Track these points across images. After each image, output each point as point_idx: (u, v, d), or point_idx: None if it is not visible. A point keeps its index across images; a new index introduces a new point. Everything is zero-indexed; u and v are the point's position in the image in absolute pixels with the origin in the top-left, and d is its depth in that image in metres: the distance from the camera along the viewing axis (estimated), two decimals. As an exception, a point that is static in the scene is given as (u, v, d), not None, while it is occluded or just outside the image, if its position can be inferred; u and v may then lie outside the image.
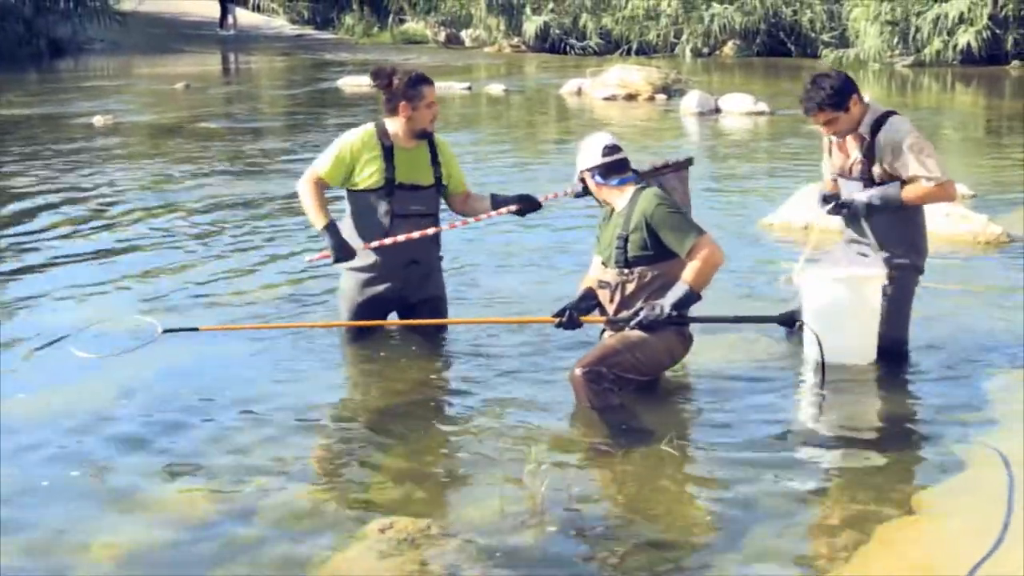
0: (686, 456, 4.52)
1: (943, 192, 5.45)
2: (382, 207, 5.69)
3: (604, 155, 5.07)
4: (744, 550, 3.80)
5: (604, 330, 5.17)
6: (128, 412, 4.99)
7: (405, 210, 5.71)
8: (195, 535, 3.87)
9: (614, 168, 5.08)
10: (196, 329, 5.37)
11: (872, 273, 5.41)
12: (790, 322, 5.40)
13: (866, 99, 5.54)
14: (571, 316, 5.01)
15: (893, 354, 5.55)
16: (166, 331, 5.21)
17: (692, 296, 4.90)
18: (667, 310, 4.86)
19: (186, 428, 4.81)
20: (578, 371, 4.86)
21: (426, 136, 5.79)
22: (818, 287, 5.40)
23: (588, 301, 5.13)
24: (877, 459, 4.56)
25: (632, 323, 4.91)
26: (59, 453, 4.55)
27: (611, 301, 5.07)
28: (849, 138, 5.50)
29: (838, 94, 5.37)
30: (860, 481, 4.38)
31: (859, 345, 5.44)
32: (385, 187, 5.70)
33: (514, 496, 4.12)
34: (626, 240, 4.97)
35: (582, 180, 5.21)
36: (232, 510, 4.06)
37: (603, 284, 5.07)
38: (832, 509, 4.18)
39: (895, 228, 5.46)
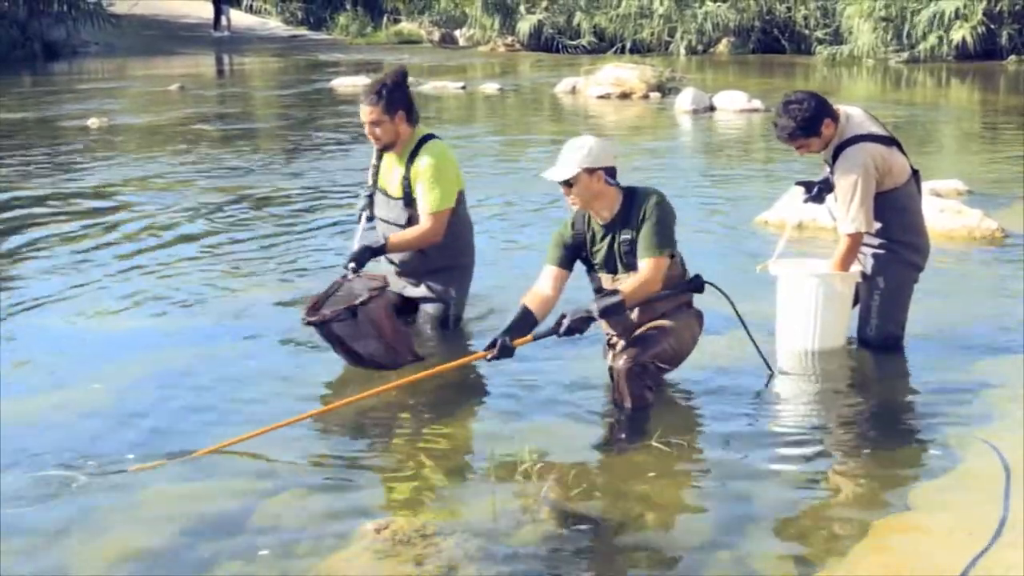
0: (680, 453, 4.53)
1: (848, 247, 5.46)
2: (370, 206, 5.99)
3: (615, 158, 4.95)
4: (739, 547, 3.80)
5: (610, 339, 5.13)
6: (125, 413, 4.98)
7: (378, 214, 5.95)
8: (191, 536, 3.87)
9: (616, 173, 4.99)
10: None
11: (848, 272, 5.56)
12: (699, 287, 5.10)
13: (845, 113, 5.51)
14: (502, 345, 4.73)
15: (887, 348, 5.58)
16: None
17: (622, 308, 4.77)
18: (595, 316, 4.73)
19: (181, 429, 4.80)
20: (624, 364, 4.82)
21: (384, 149, 5.84)
22: (792, 281, 5.61)
23: (526, 320, 4.86)
24: (871, 455, 4.57)
25: (561, 332, 4.71)
26: (57, 453, 4.53)
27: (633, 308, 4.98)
28: None
29: (808, 122, 5.40)
30: (855, 477, 4.40)
31: (829, 336, 5.60)
32: (371, 187, 5.95)
33: (508, 495, 4.13)
34: (634, 241, 4.89)
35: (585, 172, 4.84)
36: (228, 511, 4.06)
37: (616, 292, 4.91)
38: (827, 505, 4.18)
39: (880, 229, 5.48)
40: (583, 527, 3.97)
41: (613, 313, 4.78)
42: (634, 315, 4.95)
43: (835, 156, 5.46)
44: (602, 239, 4.92)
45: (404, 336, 5.41)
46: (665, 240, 4.81)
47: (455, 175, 5.84)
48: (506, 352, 4.76)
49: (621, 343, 5.01)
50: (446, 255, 5.91)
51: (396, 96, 5.68)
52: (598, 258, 4.96)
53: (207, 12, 33.86)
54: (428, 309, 6.01)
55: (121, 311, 6.59)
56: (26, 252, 8.17)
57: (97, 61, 26.90)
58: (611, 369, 4.94)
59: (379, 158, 5.94)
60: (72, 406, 5.06)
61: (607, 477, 4.41)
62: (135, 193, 10.48)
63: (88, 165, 12.13)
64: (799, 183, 5.83)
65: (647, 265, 4.80)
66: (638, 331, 4.94)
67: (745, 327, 5.20)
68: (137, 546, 3.81)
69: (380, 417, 5.03)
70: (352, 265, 5.53)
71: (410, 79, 5.96)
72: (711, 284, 5.01)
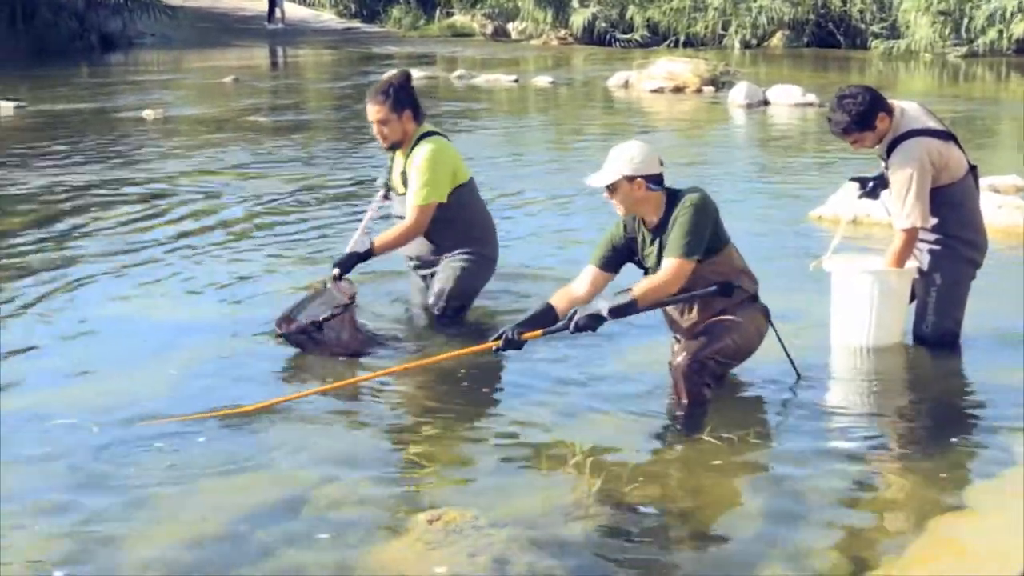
0: (732, 448, 4.50)
1: (903, 243, 5.39)
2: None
3: (660, 165, 4.92)
4: (792, 544, 3.78)
5: (675, 334, 5.10)
6: (179, 405, 5.02)
7: (394, 212, 6.10)
8: (245, 526, 3.90)
9: (662, 179, 4.96)
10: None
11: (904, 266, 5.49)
12: (728, 292, 4.96)
13: (900, 107, 5.45)
14: (507, 338, 4.76)
15: (943, 345, 5.53)
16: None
17: (633, 308, 4.71)
18: (604, 315, 4.67)
19: (234, 420, 4.83)
20: (683, 360, 4.80)
21: (391, 148, 5.97)
22: (847, 278, 5.55)
23: (545, 316, 4.85)
24: (927, 452, 4.53)
25: (571, 328, 4.69)
26: (108, 444, 4.60)
27: (684, 312, 4.94)
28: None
29: (862, 116, 5.34)
30: (910, 475, 4.35)
31: (884, 333, 5.54)
32: (384, 187, 6.16)
33: (560, 488, 4.13)
34: None
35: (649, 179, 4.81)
36: (281, 502, 4.08)
37: (628, 292, 4.82)
38: (882, 503, 4.15)
39: (936, 225, 5.42)
40: (634, 521, 3.96)
41: (623, 313, 4.71)
42: (694, 312, 4.91)
43: (890, 151, 5.41)
44: (651, 243, 4.89)
45: (367, 343, 5.68)
46: (689, 244, 4.70)
47: (451, 170, 5.90)
48: (512, 344, 4.77)
49: (682, 340, 4.98)
50: (455, 246, 5.99)
51: (402, 95, 5.83)
52: (649, 262, 4.91)
53: (262, 5, 34.03)
54: (429, 295, 6.09)
55: (176, 296, 6.72)
56: (83, 238, 8.31)
57: (153, 53, 27.15)
58: (670, 365, 4.91)
59: (393, 159, 6.07)
60: (119, 397, 5.09)
61: (658, 470, 4.40)
62: (189, 183, 10.58)
63: (143, 155, 12.26)
64: (853, 179, 5.79)
65: (666, 267, 4.73)
66: (699, 327, 4.91)
67: (776, 333, 5.06)
68: (187, 536, 3.84)
69: (431, 408, 5.05)
70: (336, 271, 5.72)
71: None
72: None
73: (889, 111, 5.38)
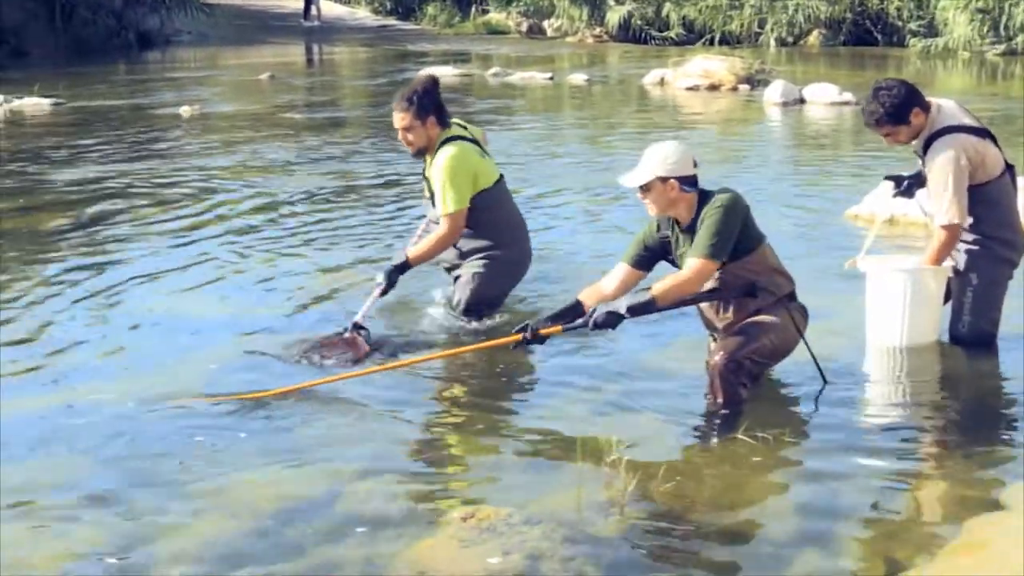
0: (767, 447, 4.49)
1: (944, 241, 5.35)
2: None
3: (695, 166, 4.91)
4: (827, 543, 3.77)
5: (712, 333, 5.08)
6: (209, 399, 5.06)
7: (429, 217, 6.15)
8: (280, 521, 3.93)
9: (696, 180, 4.96)
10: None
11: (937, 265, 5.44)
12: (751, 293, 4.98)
13: (937, 104, 5.41)
14: (532, 332, 4.79)
15: (979, 346, 5.49)
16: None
17: (652, 307, 4.71)
18: (623, 313, 4.67)
19: (267, 416, 4.87)
20: (720, 359, 4.79)
21: (418, 155, 6.01)
22: (881, 277, 5.53)
23: (573, 312, 4.88)
24: (963, 453, 4.50)
25: (590, 326, 4.71)
26: (151, 437, 4.66)
27: (719, 311, 4.93)
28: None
29: (897, 109, 5.30)
30: (945, 475, 4.33)
31: (919, 332, 5.51)
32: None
33: (595, 486, 4.13)
34: None
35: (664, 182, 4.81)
36: (315, 499, 4.11)
37: (647, 290, 4.82)
38: (917, 504, 4.14)
39: (972, 224, 5.38)
40: (668, 518, 3.96)
41: (641, 312, 4.70)
42: (729, 312, 4.90)
43: (926, 148, 5.37)
44: (684, 243, 4.87)
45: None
46: (715, 246, 4.66)
47: (470, 175, 5.90)
48: (533, 340, 4.82)
49: (719, 339, 4.97)
50: (476, 250, 6.02)
51: (426, 101, 5.85)
52: (682, 261, 4.90)
53: (297, 2, 34.21)
54: (449, 291, 6.14)
55: (218, 291, 6.81)
56: (124, 234, 8.38)
57: (190, 50, 27.32)
58: (707, 364, 4.90)
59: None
60: (157, 390, 5.15)
61: (694, 469, 4.40)
62: (227, 179, 10.64)
63: (180, 152, 12.35)
64: (888, 177, 5.76)
65: (689, 266, 4.72)
66: (736, 327, 4.90)
67: (802, 336, 5.01)
68: (220, 532, 3.87)
69: (466, 404, 5.08)
70: (382, 285, 5.84)
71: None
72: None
73: (925, 107, 5.35)
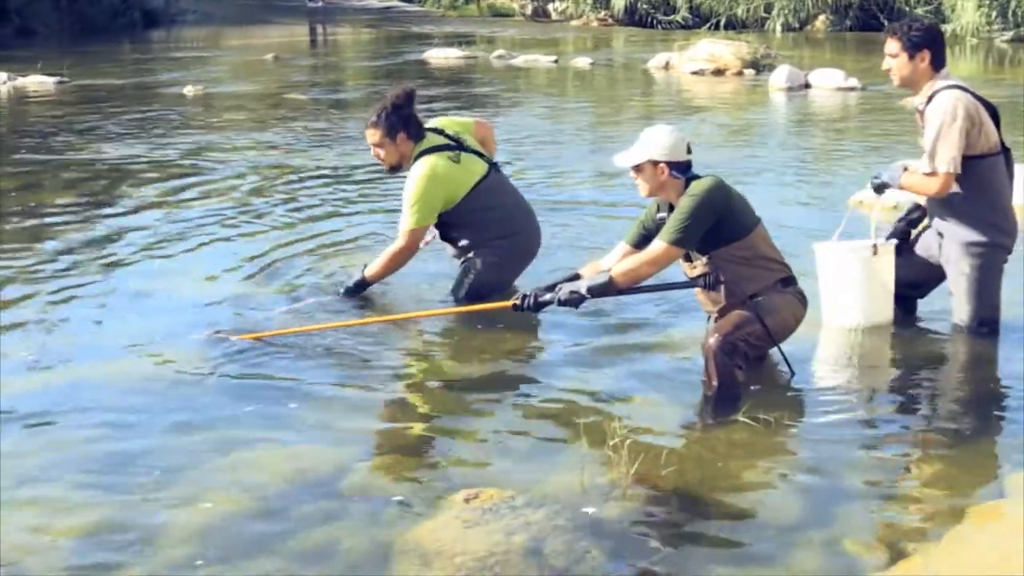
0: (768, 430, 4.49)
1: (929, 184, 5.29)
2: None
3: (688, 152, 4.93)
4: (828, 528, 3.77)
5: (710, 317, 5.08)
6: (214, 377, 5.08)
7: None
8: (280, 502, 3.93)
9: (688, 166, 4.98)
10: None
11: (880, 246, 5.47)
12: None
13: (947, 71, 5.41)
14: (531, 299, 4.96)
15: (980, 333, 5.46)
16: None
17: (610, 289, 4.83)
18: (583, 293, 4.83)
19: (271, 395, 4.88)
20: (714, 341, 4.79)
21: (392, 171, 6.09)
22: (828, 257, 5.54)
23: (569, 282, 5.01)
24: (965, 441, 4.50)
25: (555, 303, 4.89)
26: (150, 414, 4.66)
27: (711, 295, 4.95)
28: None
29: (911, 41, 5.33)
30: (947, 462, 4.33)
31: (866, 310, 5.50)
32: None
33: (597, 469, 4.14)
34: None
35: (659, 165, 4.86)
36: (317, 478, 4.11)
37: (695, 280, 4.96)
38: (918, 490, 4.14)
39: (962, 206, 5.34)
40: (671, 502, 3.97)
41: (600, 293, 4.86)
42: (720, 295, 4.91)
43: (928, 106, 5.34)
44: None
45: None
46: (679, 232, 4.72)
47: (440, 191, 5.88)
48: (533, 306, 4.95)
49: (713, 322, 4.98)
50: (471, 247, 6.05)
51: (394, 119, 5.90)
52: None
53: (302, -17, 34.21)
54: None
55: (220, 271, 6.79)
56: (126, 212, 8.38)
57: (194, 30, 27.30)
58: (702, 347, 4.90)
59: None
60: (159, 369, 5.17)
61: (695, 452, 4.39)
62: (230, 158, 10.64)
63: (184, 131, 12.34)
64: (873, 183, 5.66)
65: (649, 249, 4.82)
66: (731, 310, 4.89)
67: (775, 340, 4.97)
68: (221, 511, 3.87)
69: (470, 386, 5.08)
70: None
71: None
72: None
73: (937, 59, 5.35)
